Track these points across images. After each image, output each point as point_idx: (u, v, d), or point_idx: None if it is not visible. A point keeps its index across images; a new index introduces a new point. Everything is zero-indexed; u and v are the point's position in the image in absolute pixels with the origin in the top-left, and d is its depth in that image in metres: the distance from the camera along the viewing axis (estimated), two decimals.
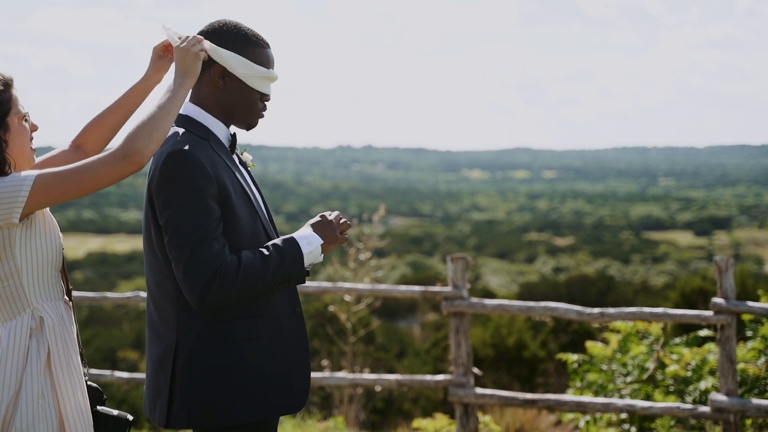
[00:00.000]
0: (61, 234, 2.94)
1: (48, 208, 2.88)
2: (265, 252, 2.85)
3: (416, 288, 7.15)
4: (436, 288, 6.95)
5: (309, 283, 7.07)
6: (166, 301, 2.90)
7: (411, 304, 26.19)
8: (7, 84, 2.91)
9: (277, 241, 2.90)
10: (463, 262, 6.90)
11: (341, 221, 3.02)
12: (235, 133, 3.06)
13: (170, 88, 2.85)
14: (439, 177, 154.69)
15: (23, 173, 2.77)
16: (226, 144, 3.01)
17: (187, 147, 2.83)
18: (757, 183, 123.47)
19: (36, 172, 2.77)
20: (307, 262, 2.90)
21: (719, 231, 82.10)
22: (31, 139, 2.94)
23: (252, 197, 2.96)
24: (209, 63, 2.97)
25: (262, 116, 3.06)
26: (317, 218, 3.01)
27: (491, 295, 23.06)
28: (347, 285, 7.83)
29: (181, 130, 2.93)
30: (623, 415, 7.15)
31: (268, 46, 3.02)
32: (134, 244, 70.60)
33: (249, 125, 3.05)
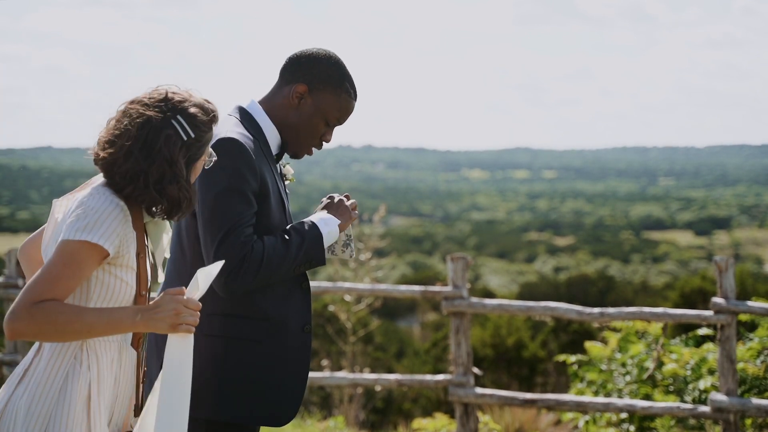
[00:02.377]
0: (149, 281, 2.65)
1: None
2: (286, 236, 2.89)
3: (416, 288, 7.15)
4: (436, 288, 6.95)
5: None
6: (178, 283, 2.90)
7: (411, 304, 26.18)
8: (213, 120, 2.60)
9: (296, 224, 2.94)
10: (463, 262, 6.90)
11: (349, 201, 3.09)
12: (284, 147, 3.06)
13: (124, 315, 2.43)
14: (439, 177, 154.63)
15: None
16: (275, 152, 3.02)
17: (241, 137, 2.86)
18: (757, 183, 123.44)
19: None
20: (326, 242, 2.95)
21: (719, 231, 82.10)
22: None
23: (286, 205, 2.99)
24: (296, 79, 2.99)
25: (311, 153, 3.08)
26: (326, 200, 3.07)
27: (491, 295, 23.05)
28: (347, 285, 7.84)
29: (236, 120, 2.96)
30: (623, 415, 7.15)
31: (356, 99, 3.05)
32: None
33: (296, 153, 3.07)
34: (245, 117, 2.98)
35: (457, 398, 6.80)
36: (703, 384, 6.94)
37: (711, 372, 7.09)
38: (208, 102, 2.58)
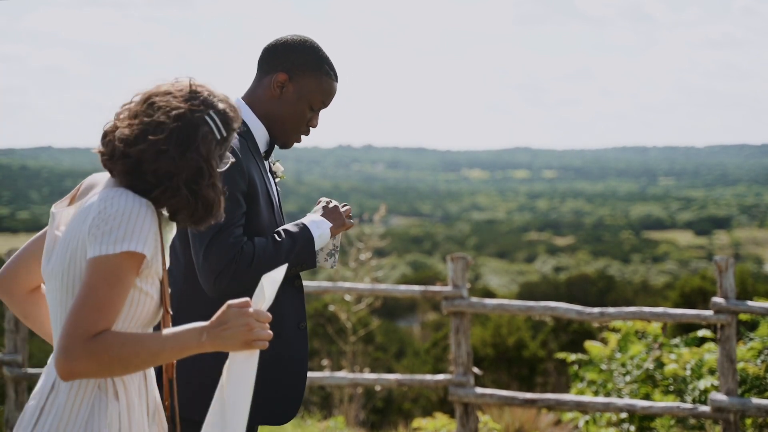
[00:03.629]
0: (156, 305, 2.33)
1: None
2: (277, 237, 2.88)
3: (416, 288, 7.14)
4: (436, 288, 6.95)
5: (309, 283, 7.08)
6: (173, 286, 2.91)
7: (411, 303, 26.18)
8: (238, 118, 2.33)
9: (288, 226, 2.94)
10: (463, 262, 6.90)
11: (344, 207, 3.07)
12: (272, 141, 3.06)
13: (187, 336, 2.16)
14: (439, 177, 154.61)
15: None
16: (263, 149, 3.02)
17: None
18: (757, 183, 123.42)
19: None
20: (317, 245, 2.94)
21: (719, 231, 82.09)
22: None
23: (275, 205, 2.99)
24: (274, 68, 2.98)
25: (299, 140, 3.07)
26: (324, 200, 3.06)
27: (491, 294, 23.05)
28: (347, 285, 7.84)
29: None
30: (623, 415, 7.15)
31: (337, 80, 3.04)
32: None
33: (284, 143, 3.06)
34: None
35: (457, 398, 6.80)
36: (703, 384, 6.94)
37: (711, 372, 7.09)
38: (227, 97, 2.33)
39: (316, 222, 2.97)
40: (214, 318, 2.17)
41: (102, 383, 2.21)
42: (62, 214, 2.32)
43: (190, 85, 2.26)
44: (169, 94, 2.23)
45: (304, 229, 2.93)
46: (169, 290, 2.42)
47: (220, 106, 2.26)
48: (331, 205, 3.04)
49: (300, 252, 2.89)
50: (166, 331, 2.15)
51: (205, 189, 2.23)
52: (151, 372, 2.34)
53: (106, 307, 2.09)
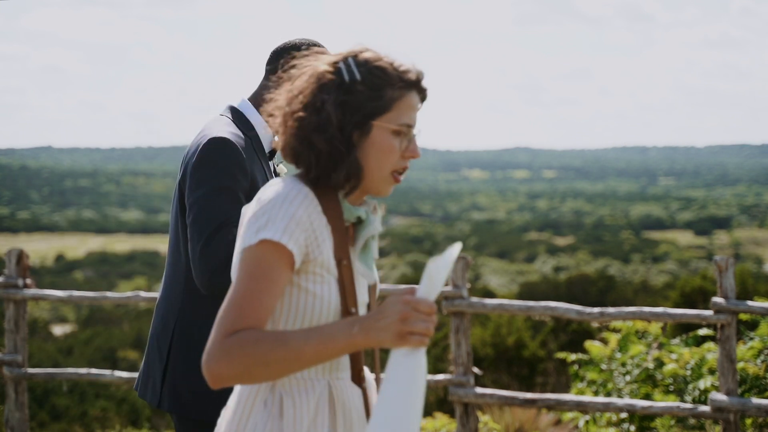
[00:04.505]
0: (365, 299, 2.08)
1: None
2: None
3: (416, 288, 7.13)
4: None
5: None
6: (176, 284, 2.92)
7: None
8: (406, 73, 2.01)
9: None
10: (463, 262, 6.90)
11: None
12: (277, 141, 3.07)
13: (336, 328, 1.86)
14: (439, 177, 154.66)
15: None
16: (267, 150, 3.03)
17: (231, 137, 2.86)
18: (757, 182, 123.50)
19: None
20: None
21: (719, 230, 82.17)
22: (400, 171, 2.03)
23: None
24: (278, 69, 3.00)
25: None
26: None
27: (491, 294, 23.05)
28: None
29: (228, 119, 2.97)
30: (623, 415, 7.15)
31: None
32: (134, 243, 70.62)
33: None
34: (237, 116, 3.00)
35: (457, 398, 6.80)
36: (703, 384, 6.95)
37: (711, 372, 7.09)
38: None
39: None
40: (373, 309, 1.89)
41: (268, 399, 1.97)
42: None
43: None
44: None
45: None
46: (366, 300, 2.09)
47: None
48: None
49: None
50: (314, 327, 1.87)
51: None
52: (348, 390, 2.02)
53: (245, 303, 1.85)
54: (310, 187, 1.96)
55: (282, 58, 3.00)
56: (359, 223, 2.04)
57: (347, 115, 1.95)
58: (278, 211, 1.90)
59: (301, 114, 1.96)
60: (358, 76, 1.96)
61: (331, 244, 1.96)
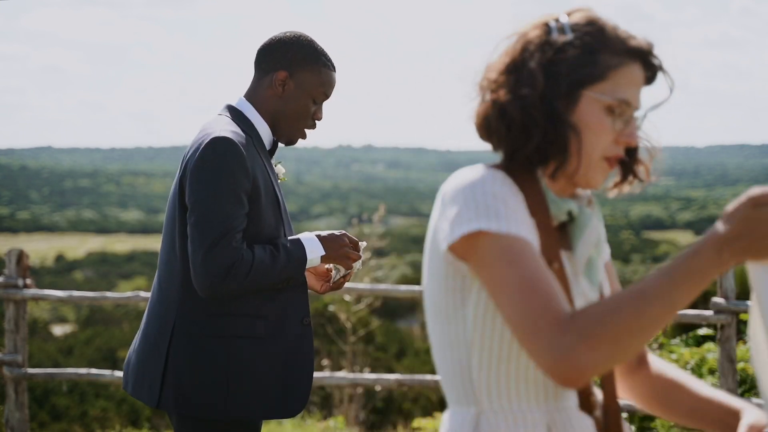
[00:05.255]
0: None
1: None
2: (275, 251, 2.88)
3: (416, 288, 7.14)
4: None
5: None
6: (172, 282, 2.91)
7: (411, 303, 26.16)
8: (602, 31, 1.65)
9: (287, 241, 2.94)
10: None
11: (360, 244, 3.10)
12: (277, 140, 3.08)
13: (698, 261, 1.49)
14: (439, 177, 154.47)
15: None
16: (267, 147, 3.03)
17: (234, 136, 2.85)
18: (757, 183, 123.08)
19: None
20: (308, 265, 2.96)
21: None
22: (615, 159, 1.74)
23: (280, 203, 2.99)
24: (273, 67, 2.99)
25: (305, 136, 3.09)
26: (328, 233, 3.06)
27: None
28: (347, 284, 7.83)
29: (228, 119, 2.96)
30: (623, 415, 7.15)
31: (335, 70, 3.06)
32: (134, 243, 70.59)
33: (290, 139, 3.07)
34: (236, 115, 2.99)
35: None
36: None
37: (711, 372, 7.09)
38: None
39: (311, 242, 2.98)
40: (726, 228, 1.46)
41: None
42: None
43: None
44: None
45: (300, 247, 2.94)
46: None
47: None
48: (339, 233, 3.05)
49: (291, 270, 2.90)
50: (672, 264, 1.50)
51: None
52: (574, 422, 1.67)
53: (535, 285, 1.51)
54: (506, 173, 1.66)
55: (272, 55, 3.01)
56: (571, 221, 1.73)
57: (552, 79, 1.61)
58: (479, 200, 1.61)
59: (499, 78, 1.65)
60: (570, 34, 1.63)
61: (537, 243, 1.60)
